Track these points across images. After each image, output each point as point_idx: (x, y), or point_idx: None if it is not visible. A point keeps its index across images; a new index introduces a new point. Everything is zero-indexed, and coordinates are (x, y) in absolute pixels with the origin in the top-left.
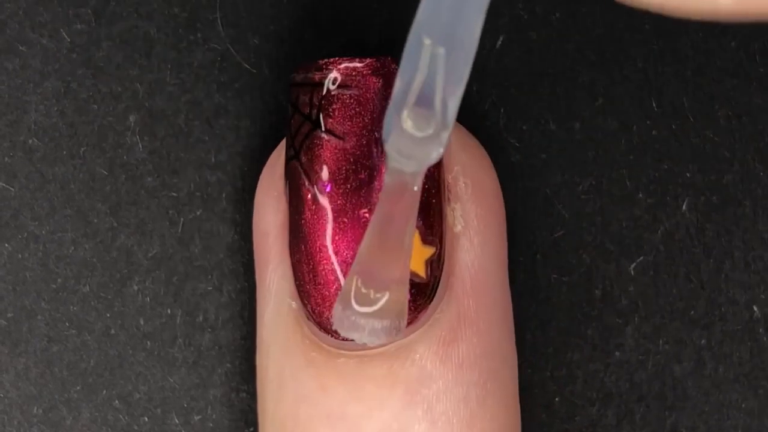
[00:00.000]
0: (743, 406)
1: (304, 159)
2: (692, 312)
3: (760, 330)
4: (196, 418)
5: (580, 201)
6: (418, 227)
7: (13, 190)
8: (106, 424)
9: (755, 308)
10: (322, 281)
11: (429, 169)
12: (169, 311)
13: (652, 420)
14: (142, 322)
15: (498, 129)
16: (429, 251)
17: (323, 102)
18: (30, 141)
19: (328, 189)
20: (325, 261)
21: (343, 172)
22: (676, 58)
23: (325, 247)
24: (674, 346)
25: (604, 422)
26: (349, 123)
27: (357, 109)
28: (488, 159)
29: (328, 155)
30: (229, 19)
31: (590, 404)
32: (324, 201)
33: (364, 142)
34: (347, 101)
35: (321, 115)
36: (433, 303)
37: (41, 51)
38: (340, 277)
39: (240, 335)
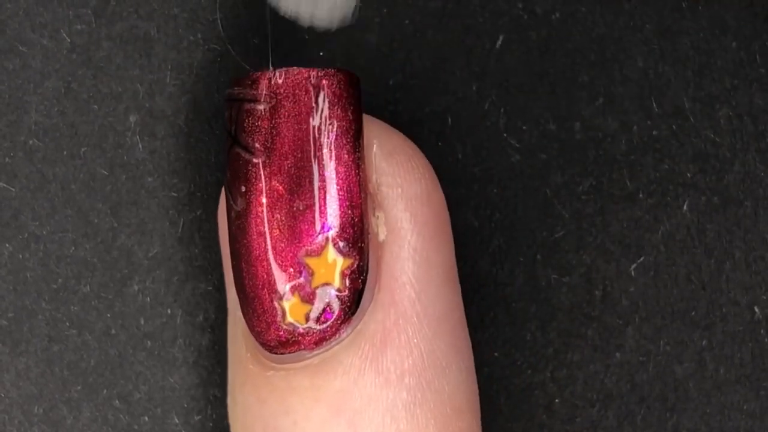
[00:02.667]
0: (744, 407)
1: (228, 174)
2: (693, 313)
3: (762, 331)
4: (197, 417)
5: (581, 201)
6: (331, 239)
7: (13, 190)
8: (106, 423)
9: (756, 309)
10: (249, 296)
11: (348, 180)
12: (169, 311)
13: (653, 421)
14: (142, 322)
15: (498, 129)
16: (345, 262)
17: (239, 117)
18: (30, 141)
19: (244, 205)
20: (249, 275)
21: (259, 187)
22: (677, 58)
23: (248, 261)
24: (675, 347)
25: (605, 423)
26: (264, 137)
27: (272, 123)
28: (419, 163)
29: (244, 170)
30: (229, 20)
31: (591, 405)
32: (242, 216)
33: (279, 157)
34: (260, 115)
35: (237, 131)
36: (356, 315)
37: (42, 51)
38: (258, 293)
39: None
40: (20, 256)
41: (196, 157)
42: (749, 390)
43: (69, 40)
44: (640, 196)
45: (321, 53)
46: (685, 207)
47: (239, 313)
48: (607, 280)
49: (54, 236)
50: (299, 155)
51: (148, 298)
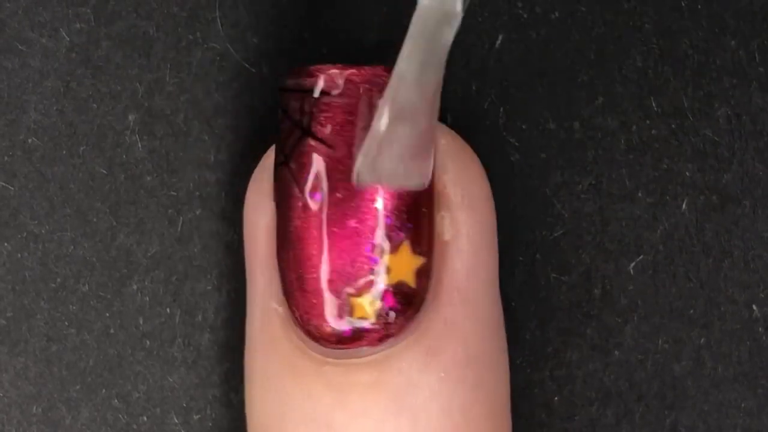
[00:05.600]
0: (742, 405)
1: (294, 166)
2: (691, 311)
3: (759, 329)
4: (196, 417)
5: (580, 200)
6: (408, 237)
7: (12, 189)
8: (105, 423)
9: (754, 307)
10: (310, 289)
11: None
12: (168, 311)
13: (652, 419)
14: (141, 322)
15: (497, 128)
16: (419, 261)
17: (314, 109)
18: (29, 140)
19: (317, 198)
20: (313, 269)
21: (334, 181)
22: (676, 57)
23: (314, 255)
24: (673, 346)
25: (604, 422)
26: (340, 131)
27: (348, 118)
28: (479, 166)
29: (319, 163)
30: (229, 19)
31: (589, 404)
32: (314, 210)
33: (355, 152)
34: (338, 109)
35: (312, 123)
36: (420, 313)
37: (40, 50)
38: (326, 287)
39: (239, 335)
40: (19, 255)
41: (195, 156)
42: (747, 388)
43: (68, 39)
44: (639, 195)
45: (320, 53)
46: (683, 206)
47: (275, 306)
48: (606, 278)
49: (53, 235)
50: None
51: (147, 298)
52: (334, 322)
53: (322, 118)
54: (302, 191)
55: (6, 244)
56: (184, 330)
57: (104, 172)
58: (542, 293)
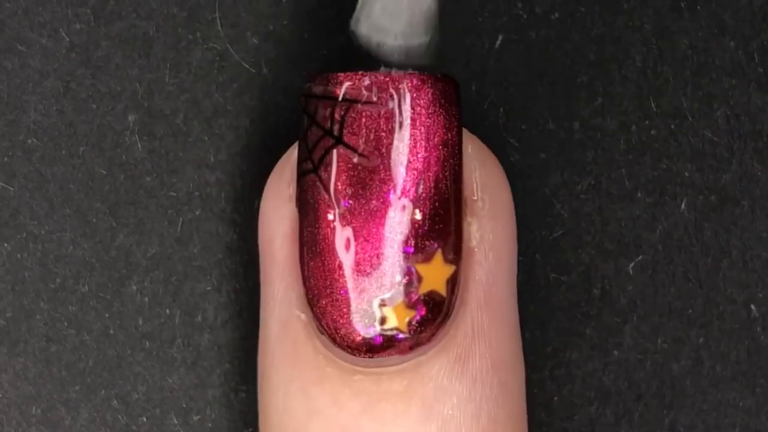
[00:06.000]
0: (741, 404)
1: (323, 174)
2: (690, 311)
3: (758, 329)
4: (195, 418)
5: (579, 200)
6: (440, 246)
7: (12, 189)
8: (104, 424)
9: (753, 307)
10: (339, 299)
11: (451, 185)
12: (167, 311)
13: (651, 419)
14: (140, 322)
15: (497, 128)
16: (450, 269)
17: (345, 117)
18: (29, 140)
19: (348, 206)
20: (343, 279)
21: (366, 189)
22: (675, 57)
23: (345, 265)
24: (672, 345)
25: (603, 421)
26: (373, 140)
27: (381, 126)
28: (503, 173)
29: (351, 172)
30: (228, 19)
31: (589, 403)
32: (345, 218)
33: (388, 161)
34: (369, 117)
35: (344, 131)
36: (449, 320)
37: (40, 50)
38: (356, 296)
39: (239, 335)
40: (18, 255)
41: (194, 156)
42: (745, 387)
43: (68, 40)
44: (639, 195)
45: (320, 53)
46: (682, 206)
47: (297, 313)
48: (606, 278)
49: (52, 236)
50: (409, 160)
51: (147, 298)
52: (364, 331)
53: (354, 128)
54: (333, 200)
55: (6, 244)
56: (183, 330)
57: (104, 172)
58: (542, 293)
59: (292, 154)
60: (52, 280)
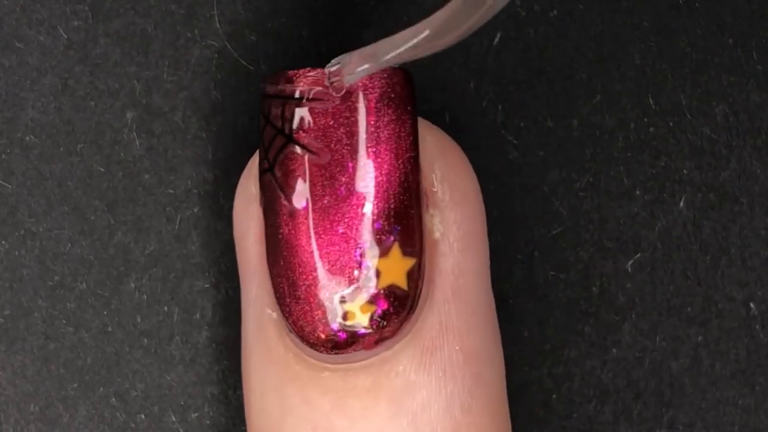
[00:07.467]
0: (740, 402)
1: (278, 173)
2: (689, 309)
3: (757, 327)
4: (193, 415)
5: (578, 198)
6: (397, 239)
7: (9, 187)
8: (102, 421)
9: (752, 305)
10: (301, 297)
11: (406, 178)
12: (166, 309)
13: (649, 417)
14: (139, 320)
15: (495, 126)
16: (410, 262)
17: (295, 116)
18: (27, 138)
19: (303, 205)
20: (303, 277)
21: (319, 187)
22: (674, 55)
23: (303, 263)
24: (671, 343)
25: (602, 419)
26: (322, 136)
27: (330, 122)
28: (466, 162)
29: (303, 170)
30: (227, 16)
31: (587, 401)
32: (301, 217)
33: (339, 157)
34: (320, 114)
35: (294, 129)
36: (415, 313)
37: (38, 48)
38: (317, 293)
39: (237, 333)
40: (16, 253)
41: (193, 153)
42: (744, 385)
43: (66, 37)
44: (637, 192)
45: (319, 50)
46: (681, 203)
47: (269, 312)
48: (604, 276)
49: (50, 233)
50: (360, 154)
51: (145, 296)
52: (327, 328)
53: (303, 124)
54: (288, 199)
55: (3, 242)
56: (182, 328)
57: (102, 169)
58: (540, 291)
59: (257, 155)
60: (50, 277)
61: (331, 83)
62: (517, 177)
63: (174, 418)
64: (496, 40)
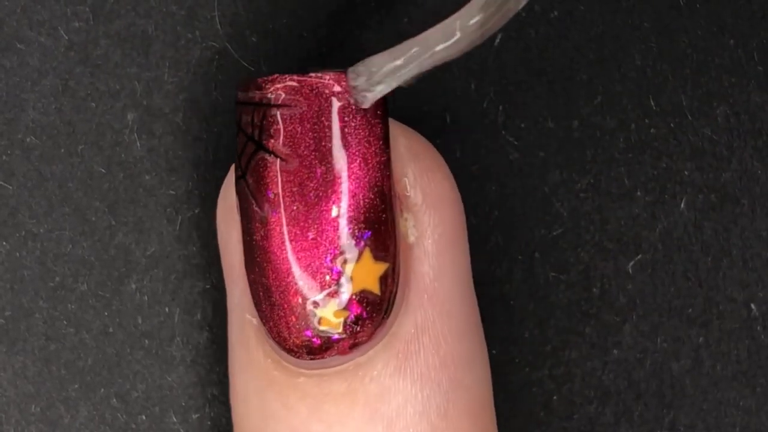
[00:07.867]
0: (741, 403)
1: (250, 180)
2: (690, 310)
3: (758, 328)
4: (194, 416)
5: (579, 199)
6: (368, 244)
7: (10, 188)
8: (104, 422)
9: (753, 306)
10: (276, 302)
11: (377, 183)
12: (167, 309)
13: (650, 418)
14: (140, 321)
15: (496, 127)
16: (382, 267)
17: (263, 122)
18: (28, 139)
19: (275, 211)
20: (277, 282)
21: (289, 193)
22: (675, 56)
23: (277, 269)
24: (672, 344)
25: (603, 420)
26: (291, 143)
27: (299, 129)
28: (442, 164)
29: (273, 176)
30: (227, 17)
31: (588, 402)
32: (272, 223)
33: (308, 163)
34: (287, 120)
35: (262, 135)
36: (389, 318)
37: (39, 49)
38: (291, 299)
39: None
40: (17, 254)
41: (194, 154)
42: (745, 386)
43: (66, 38)
44: (638, 193)
45: (318, 51)
46: (682, 205)
47: (249, 317)
48: (605, 277)
49: (51, 234)
50: (330, 159)
51: (146, 297)
52: (301, 333)
53: (271, 131)
54: (259, 205)
55: (4, 243)
56: (182, 329)
57: (103, 170)
58: (541, 292)
59: None
60: (51, 278)
61: (355, 97)
62: (517, 178)
63: (175, 419)
64: (497, 40)
